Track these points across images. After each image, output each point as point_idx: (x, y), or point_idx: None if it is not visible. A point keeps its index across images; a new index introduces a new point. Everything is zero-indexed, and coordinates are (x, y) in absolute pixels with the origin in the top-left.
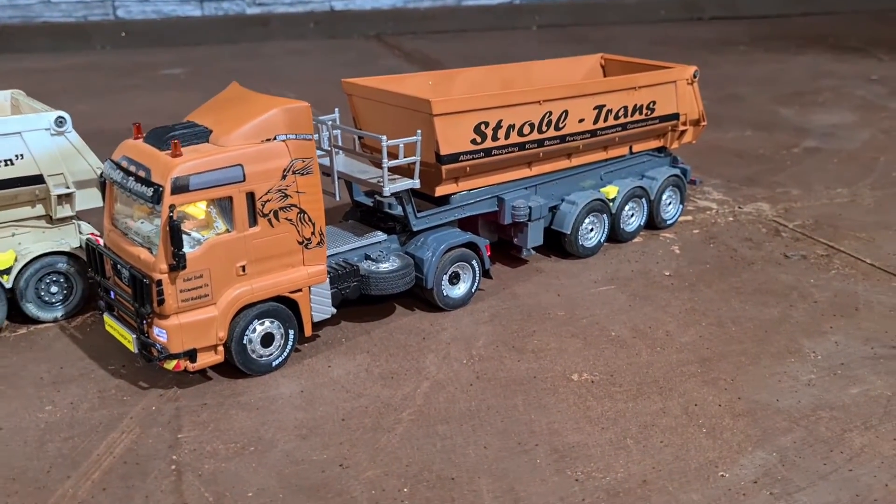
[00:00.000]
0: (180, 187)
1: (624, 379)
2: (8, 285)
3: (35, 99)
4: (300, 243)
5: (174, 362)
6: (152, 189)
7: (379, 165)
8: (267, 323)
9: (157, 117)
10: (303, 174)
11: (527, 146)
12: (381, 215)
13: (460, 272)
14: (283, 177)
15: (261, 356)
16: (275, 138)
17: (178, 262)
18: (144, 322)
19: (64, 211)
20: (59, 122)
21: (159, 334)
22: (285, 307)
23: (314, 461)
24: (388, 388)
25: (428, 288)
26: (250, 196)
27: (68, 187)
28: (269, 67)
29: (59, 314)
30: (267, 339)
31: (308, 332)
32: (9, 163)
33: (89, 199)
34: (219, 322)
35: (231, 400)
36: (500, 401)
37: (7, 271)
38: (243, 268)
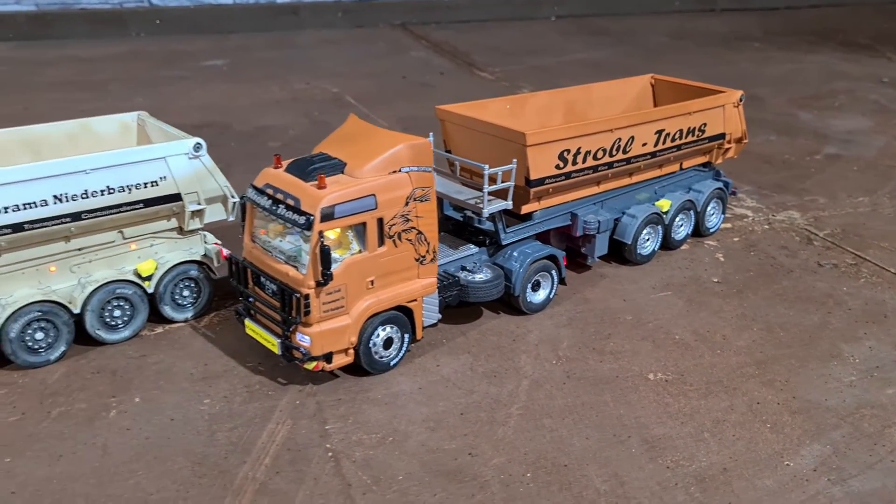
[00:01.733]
0: (327, 216)
1: (693, 379)
2: (150, 290)
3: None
4: (417, 260)
5: (314, 363)
6: (304, 217)
7: (471, 186)
8: (388, 328)
9: (215, 112)
10: (421, 201)
11: (599, 168)
12: (472, 230)
13: (541, 280)
14: (406, 203)
15: (382, 357)
16: (400, 170)
17: (325, 280)
18: (290, 329)
19: (194, 224)
20: (197, 147)
21: (302, 339)
22: (402, 314)
23: (446, 450)
24: (494, 385)
25: (515, 295)
26: (380, 221)
27: (200, 204)
28: (305, 58)
29: (189, 315)
30: (387, 343)
31: (419, 335)
32: (154, 184)
33: (215, 213)
34: (351, 329)
35: (361, 395)
36: (591, 398)
37: (149, 278)
38: (372, 282)
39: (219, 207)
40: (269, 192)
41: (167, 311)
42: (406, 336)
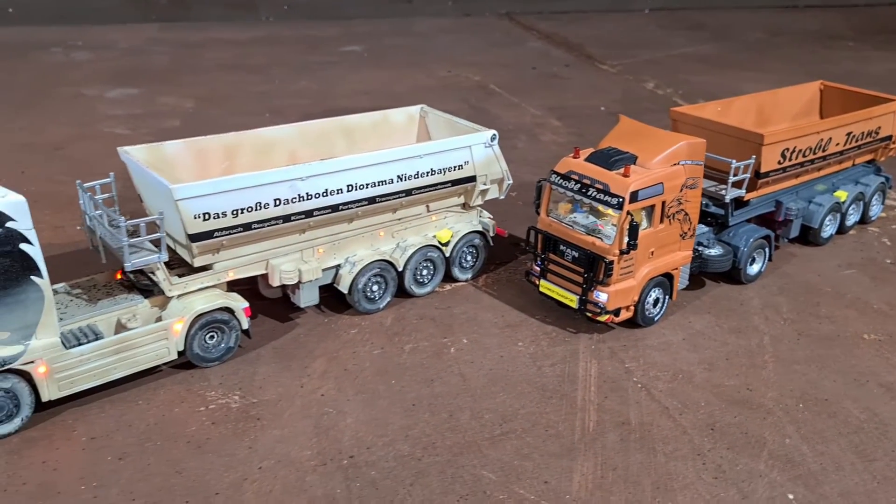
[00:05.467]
0: (633, 198)
1: None
2: (447, 254)
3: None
4: (681, 236)
5: (606, 316)
6: (616, 199)
7: (706, 177)
8: (657, 291)
9: (381, 97)
10: (691, 188)
11: (804, 164)
12: (701, 212)
13: (755, 256)
14: (681, 190)
15: (650, 314)
16: (679, 163)
17: (629, 250)
18: (590, 288)
19: (477, 201)
20: (493, 137)
21: (598, 296)
22: (666, 280)
23: (728, 386)
24: (741, 338)
25: (739, 268)
26: (663, 204)
27: (485, 185)
28: (432, 46)
29: (469, 276)
30: (655, 302)
31: (675, 298)
32: (460, 167)
33: (493, 192)
34: (636, 290)
35: (640, 343)
36: (824, 351)
37: (447, 244)
38: (652, 253)
39: (495, 188)
40: (575, 177)
41: (455, 272)
42: (667, 297)
